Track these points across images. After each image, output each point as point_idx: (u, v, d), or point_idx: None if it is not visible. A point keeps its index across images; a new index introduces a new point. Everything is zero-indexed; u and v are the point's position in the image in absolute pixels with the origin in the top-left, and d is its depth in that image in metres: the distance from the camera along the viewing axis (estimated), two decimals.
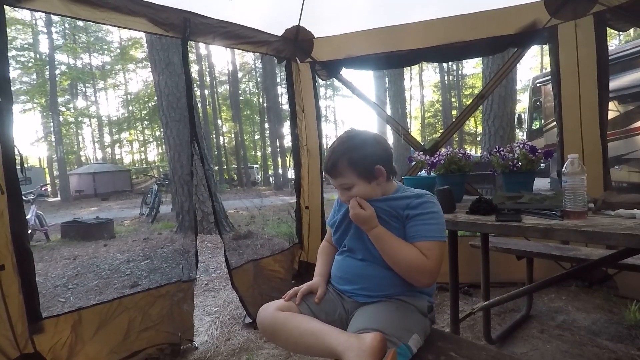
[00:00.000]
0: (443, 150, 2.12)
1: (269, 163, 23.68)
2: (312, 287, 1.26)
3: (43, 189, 10.09)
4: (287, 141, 18.30)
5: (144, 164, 29.82)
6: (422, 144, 3.11)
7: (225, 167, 24.38)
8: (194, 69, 20.30)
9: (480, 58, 7.44)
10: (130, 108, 28.17)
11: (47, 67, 17.56)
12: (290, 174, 17.82)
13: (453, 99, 26.22)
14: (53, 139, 19.38)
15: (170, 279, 3.64)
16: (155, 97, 7.26)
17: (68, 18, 2.03)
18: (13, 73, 18.23)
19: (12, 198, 1.60)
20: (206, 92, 22.40)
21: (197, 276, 3.53)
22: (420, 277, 1.11)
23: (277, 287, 2.71)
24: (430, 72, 29.66)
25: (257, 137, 30.87)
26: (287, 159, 18.88)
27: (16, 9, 1.77)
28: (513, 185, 1.82)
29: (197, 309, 2.72)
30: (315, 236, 3.16)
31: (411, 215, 1.14)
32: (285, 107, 19.25)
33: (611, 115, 3.60)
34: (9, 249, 1.59)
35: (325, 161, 1.22)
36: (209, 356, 2.11)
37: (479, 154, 11.14)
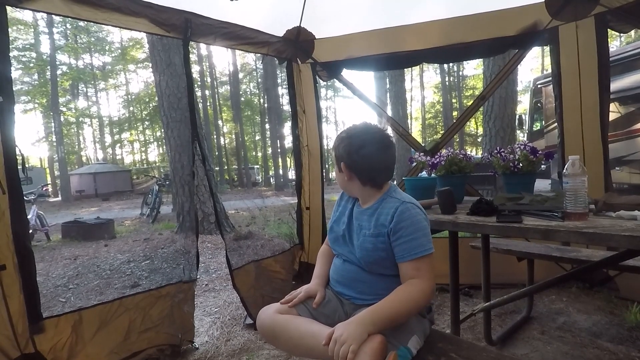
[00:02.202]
0: (444, 151, 2.12)
1: (270, 164, 23.68)
2: (310, 292, 1.26)
3: (44, 189, 10.12)
4: (288, 142, 18.38)
5: (145, 165, 29.84)
6: (423, 145, 3.11)
7: (226, 167, 24.39)
8: (195, 69, 20.32)
9: (481, 59, 7.45)
10: (131, 108, 28.18)
11: (49, 67, 17.56)
12: (291, 174, 17.86)
13: (454, 100, 26.20)
14: (54, 139, 19.38)
15: (171, 279, 3.65)
16: (156, 98, 7.27)
17: (69, 18, 2.03)
18: (14, 73, 18.29)
19: (13, 198, 1.61)
20: (207, 92, 22.44)
21: (198, 277, 3.53)
22: (424, 302, 1.10)
23: (278, 288, 2.71)
24: (431, 73, 29.68)
25: (257, 137, 30.88)
26: (288, 160, 18.92)
27: (18, 9, 1.77)
28: (514, 186, 1.82)
29: (198, 310, 2.72)
30: (315, 237, 3.16)
31: (395, 229, 1.11)
32: (286, 107, 19.25)
33: (612, 116, 3.60)
34: (10, 248, 1.59)
35: None
36: (209, 357, 2.11)
37: (479, 155, 11.14)
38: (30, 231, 6.03)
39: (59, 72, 19.67)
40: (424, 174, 2.55)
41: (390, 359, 0.94)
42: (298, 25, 2.84)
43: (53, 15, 7.40)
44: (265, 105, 22.35)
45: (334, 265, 1.33)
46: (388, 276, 1.17)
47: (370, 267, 1.18)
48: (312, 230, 3.16)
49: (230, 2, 2.28)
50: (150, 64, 6.77)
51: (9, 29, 1.68)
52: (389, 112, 10.19)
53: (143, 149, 31.27)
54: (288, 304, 1.22)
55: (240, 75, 26.86)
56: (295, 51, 2.98)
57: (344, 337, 0.94)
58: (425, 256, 1.10)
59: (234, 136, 25.64)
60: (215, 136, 22.57)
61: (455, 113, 24.67)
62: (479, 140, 21.69)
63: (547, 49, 2.72)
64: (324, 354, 1.01)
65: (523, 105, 15.43)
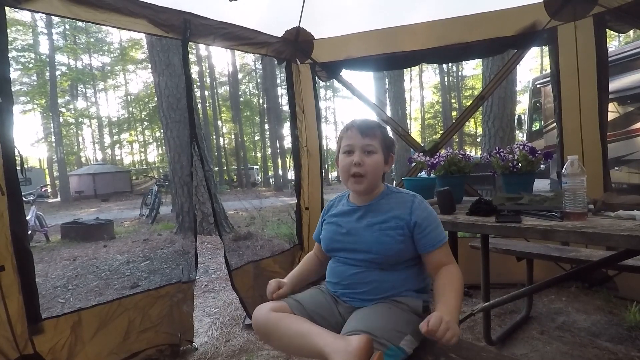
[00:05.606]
0: (443, 151, 2.12)
1: (269, 164, 23.68)
2: (280, 283, 1.37)
3: (43, 189, 10.07)
4: (287, 142, 18.33)
5: (144, 165, 29.81)
6: (422, 145, 3.12)
7: (225, 168, 24.39)
8: (194, 70, 20.32)
9: (480, 59, 7.46)
10: (131, 109, 28.16)
11: (48, 68, 17.55)
12: (290, 175, 17.84)
13: (453, 100, 26.23)
14: (53, 140, 19.37)
15: (170, 279, 3.64)
16: (156, 98, 7.27)
17: (68, 19, 2.03)
18: (13, 74, 18.20)
19: (12, 199, 1.60)
20: (206, 93, 22.42)
21: (197, 277, 3.53)
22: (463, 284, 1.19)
23: None
24: (430, 74, 29.76)
25: (257, 138, 30.90)
26: (287, 160, 18.91)
27: (17, 9, 1.77)
28: (513, 186, 1.82)
29: (197, 310, 2.72)
30: None
31: (419, 222, 1.16)
32: (285, 108, 19.24)
33: (611, 116, 3.60)
34: (9, 249, 1.59)
35: (362, 122, 1.23)
36: (208, 357, 2.11)
37: (479, 155, 11.14)
38: (29, 232, 6.03)
39: (58, 72, 19.65)
40: (423, 174, 2.56)
41: (375, 359, 0.93)
42: (297, 25, 2.84)
43: (52, 16, 7.39)
44: (265, 105, 22.35)
45: (330, 269, 1.31)
46: (398, 271, 1.18)
47: (388, 261, 1.18)
48: (311, 231, 3.15)
49: (229, 2, 2.28)
50: (150, 65, 6.76)
51: (8, 30, 1.68)
52: (388, 112, 10.19)
53: (142, 149, 31.27)
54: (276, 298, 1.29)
55: (240, 75, 26.85)
56: (294, 51, 2.98)
57: (451, 324, 0.95)
58: (447, 242, 1.20)
59: (233, 136, 25.63)
60: (214, 136, 22.56)
61: (454, 113, 24.71)
62: (478, 140, 21.71)
63: (546, 49, 2.73)
64: (311, 353, 1.02)
65: (522, 105, 15.51)
